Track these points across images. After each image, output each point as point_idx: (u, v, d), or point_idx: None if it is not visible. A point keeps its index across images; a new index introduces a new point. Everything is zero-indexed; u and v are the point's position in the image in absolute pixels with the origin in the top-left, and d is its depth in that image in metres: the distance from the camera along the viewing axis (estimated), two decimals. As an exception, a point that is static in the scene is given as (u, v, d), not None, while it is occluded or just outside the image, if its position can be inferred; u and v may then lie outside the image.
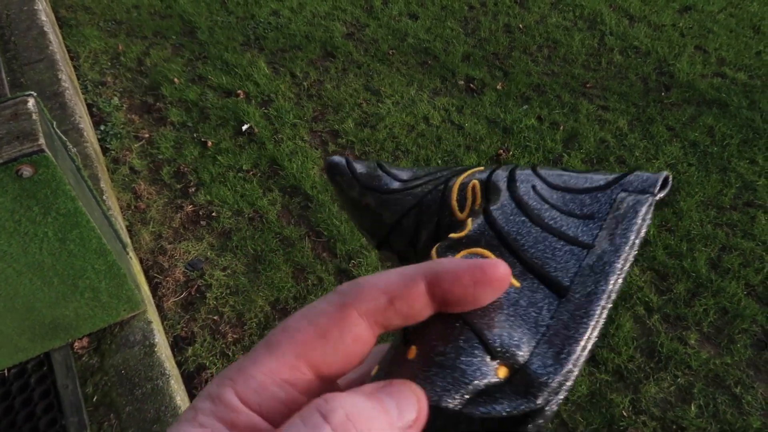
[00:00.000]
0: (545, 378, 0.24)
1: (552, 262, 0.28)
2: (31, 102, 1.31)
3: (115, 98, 3.01)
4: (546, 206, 0.31)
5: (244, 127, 2.87)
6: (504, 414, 0.23)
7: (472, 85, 3.23)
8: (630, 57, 3.50)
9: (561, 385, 0.24)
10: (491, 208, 0.31)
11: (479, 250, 0.30)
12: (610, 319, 2.19)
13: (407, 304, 0.26)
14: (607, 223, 0.29)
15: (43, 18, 2.92)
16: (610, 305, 0.27)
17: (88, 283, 1.52)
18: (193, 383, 1.93)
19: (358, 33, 3.57)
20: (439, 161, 2.76)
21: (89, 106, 2.94)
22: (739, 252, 2.45)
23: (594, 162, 2.82)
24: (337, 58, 3.36)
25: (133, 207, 2.49)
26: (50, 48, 2.73)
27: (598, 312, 0.26)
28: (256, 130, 2.86)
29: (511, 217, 0.31)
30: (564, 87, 3.25)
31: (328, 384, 0.26)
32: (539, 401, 0.23)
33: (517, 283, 0.29)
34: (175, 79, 3.12)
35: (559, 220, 0.30)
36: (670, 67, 3.42)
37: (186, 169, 2.66)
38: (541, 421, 0.23)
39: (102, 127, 2.81)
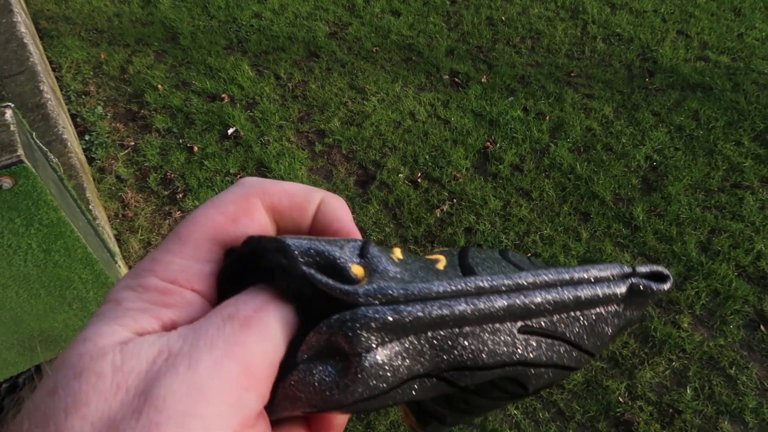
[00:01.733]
0: (375, 295, 0.25)
1: (481, 269, 0.29)
2: (8, 113, 1.30)
3: (99, 107, 2.99)
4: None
5: (230, 131, 2.86)
6: (323, 286, 0.25)
7: (457, 80, 3.23)
8: (613, 44, 3.51)
9: (381, 316, 0.24)
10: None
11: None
12: (602, 307, 2.19)
13: (302, 210, 0.29)
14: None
15: (23, 30, 2.90)
16: (492, 322, 0.27)
17: (76, 293, 1.51)
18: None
19: (341, 32, 3.56)
20: (427, 156, 2.76)
21: (73, 117, 2.93)
22: (728, 234, 2.46)
23: (581, 150, 2.82)
24: (321, 57, 3.35)
25: (120, 216, 2.48)
26: (31, 60, 2.71)
27: (461, 307, 0.26)
28: (242, 133, 2.85)
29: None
30: (548, 77, 3.25)
31: None
32: (360, 299, 0.24)
33: (443, 258, 0.30)
34: (159, 86, 3.10)
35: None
36: (653, 53, 3.43)
37: (173, 175, 2.65)
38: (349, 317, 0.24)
39: (87, 137, 2.80)
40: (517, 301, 0.26)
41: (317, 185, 2.62)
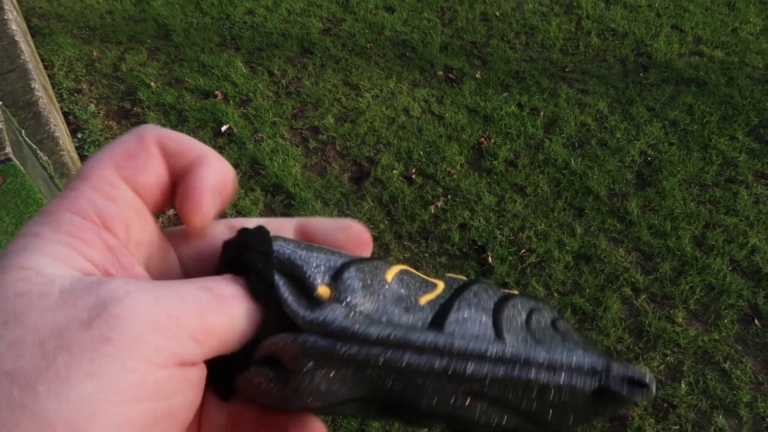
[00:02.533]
0: (326, 319, 0.25)
1: (454, 318, 0.28)
2: (-5, 111, 1.29)
3: (92, 105, 2.97)
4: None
5: (224, 128, 2.85)
6: (282, 300, 0.26)
7: (451, 75, 3.22)
8: (607, 39, 3.50)
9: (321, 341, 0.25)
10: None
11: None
12: (597, 302, 2.20)
13: (179, 160, 0.28)
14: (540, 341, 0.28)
15: (14, 27, 2.88)
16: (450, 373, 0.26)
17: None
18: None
19: (335, 28, 3.55)
20: (421, 152, 2.75)
21: (65, 115, 2.91)
22: (722, 228, 2.46)
23: (575, 146, 2.82)
24: (315, 54, 3.34)
25: (114, 214, 2.47)
26: (22, 57, 2.69)
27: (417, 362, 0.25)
28: (236, 130, 2.84)
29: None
30: (543, 72, 3.24)
31: (160, 240, 0.29)
32: (304, 327, 0.25)
33: (440, 284, 0.31)
34: (152, 83, 3.09)
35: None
36: (648, 48, 3.43)
37: (166, 173, 2.64)
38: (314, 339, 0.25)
39: (79, 135, 2.78)
40: (459, 366, 0.26)
41: (311, 182, 2.61)
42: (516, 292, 0.32)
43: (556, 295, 2.23)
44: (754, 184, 2.64)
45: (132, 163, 0.27)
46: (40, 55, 3.24)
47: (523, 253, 2.36)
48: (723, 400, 1.95)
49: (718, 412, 1.93)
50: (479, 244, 2.38)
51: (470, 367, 0.26)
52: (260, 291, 0.26)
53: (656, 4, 3.76)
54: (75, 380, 0.19)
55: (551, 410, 0.27)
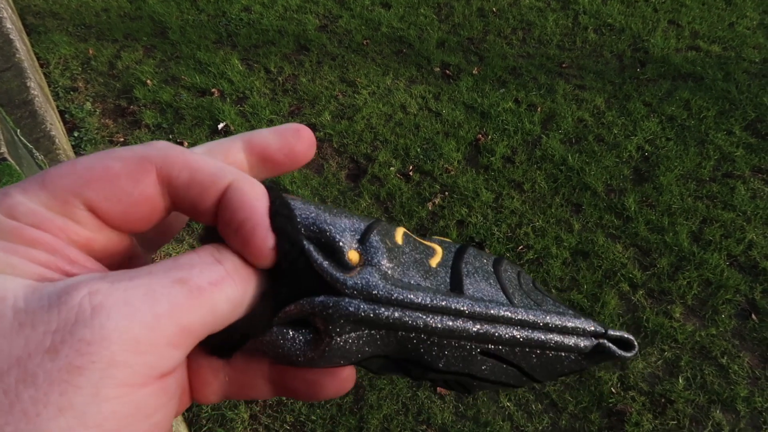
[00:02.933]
0: (371, 288, 0.26)
1: (470, 283, 0.30)
2: (-10, 110, 1.28)
3: (88, 103, 2.96)
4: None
5: (220, 126, 2.84)
6: (317, 267, 0.26)
7: (448, 72, 3.21)
8: (604, 35, 3.50)
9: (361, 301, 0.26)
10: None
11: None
12: (595, 298, 2.20)
13: (201, 194, 0.25)
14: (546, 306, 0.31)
15: (9, 26, 2.86)
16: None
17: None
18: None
19: (332, 25, 3.54)
20: (418, 149, 2.75)
21: (61, 113, 2.90)
22: (720, 223, 2.46)
23: (572, 141, 2.82)
24: (311, 51, 3.33)
25: (111, 212, 2.46)
26: (17, 56, 2.68)
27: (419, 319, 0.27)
28: (232, 128, 2.83)
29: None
30: (540, 68, 3.24)
31: (116, 235, 0.25)
32: (347, 291, 0.26)
33: (438, 248, 0.32)
34: (148, 81, 3.08)
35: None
36: (645, 43, 3.42)
37: (163, 171, 2.63)
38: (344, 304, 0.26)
39: (75, 134, 2.77)
40: (489, 330, 0.28)
41: (308, 179, 2.61)
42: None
43: (554, 291, 2.23)
44: (751, 179, 2.65)
45: (107, 187, 0.23)
46: (35, 54, 3.23)
47: (521, 249, 2.36)
48: (720, 395, 1.96)
49: (716, 407, 1.94)
50: (477, 240, 2.38)
51: (499, 331, 0.28)
52: (291, 256, 0.25)
53: (653, -1, 3.76)
54: (46, 417, 0.17)
55: (546, 364, 0.30)
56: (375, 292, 0.26)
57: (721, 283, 2.24)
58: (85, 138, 2.76)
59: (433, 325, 0.27)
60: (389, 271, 0.27)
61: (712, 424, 1.90)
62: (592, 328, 0.30)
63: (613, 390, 1.96)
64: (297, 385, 0.28)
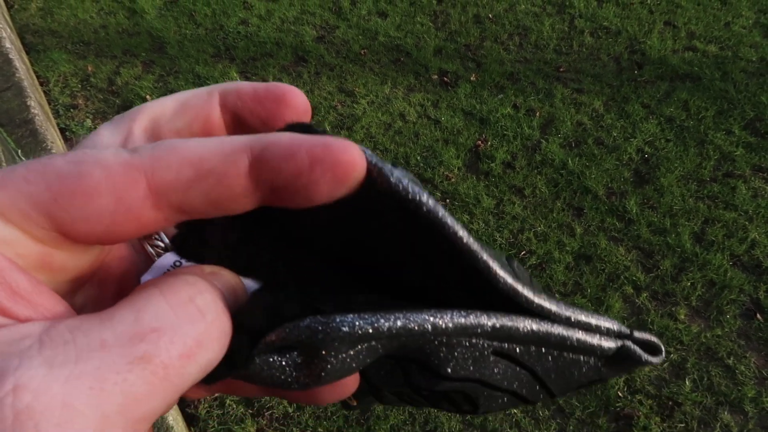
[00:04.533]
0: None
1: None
2: (-9, 132, 1.29)
3: (88, 120, 2.98)
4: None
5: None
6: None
7: (446, 79, 3.22)
8: (601, 38, 3.51)
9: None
10: None
11: None
12: (599, 301, 2.20)
13: (222, 185, 0.19)
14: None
15: (8, 45, 2.88)
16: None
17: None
18: (185, 400, 1.92)
19: (329, 35, 3.56)
20: (418, 157, 2.76)
21: (62, 131, 2.91)
22: (722, 223, 2.46)
23: (572, 145, 2.82)
24: (309, 62, 3.34)
25: (113, 229, 2.47)
26: (17, 75, 2.70)
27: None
28: (233, 141, 2.85)
29: None
30: (537, 73, 3.25)
31: (83, 248, 0.20)
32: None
33: None
34: (148, 96, 3.09)
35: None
36: (641, 45, 3.43)
37: (164, 186, 2.64)
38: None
39: (76, 151, 2.78)
40: (506, 324, 0.24)
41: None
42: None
43: (557, 296, 2.23)
44: (752, 178, 2.64)
45: (75, 206, 0.18)
46: (35, 72, 3.25)
47: (524, 254, 2.36)
48: (728, 396, 1.95)
49: (724, 408, 1.93)
50: (479, 247, 2.38)
51: (517, 324, 0.25)
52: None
53: (648, 1, 3.77)
54: None
55: (563, 369, 0.27)
56: (419, 197, 0.22)
57: (725, 284, 2.24)
58: (86, 155, 2.77)
59: (443, 325, 0.23)
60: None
61: (721, 426, 1.89)
62: (616, 328, 0.27)
63: (620, 394, 1.96)
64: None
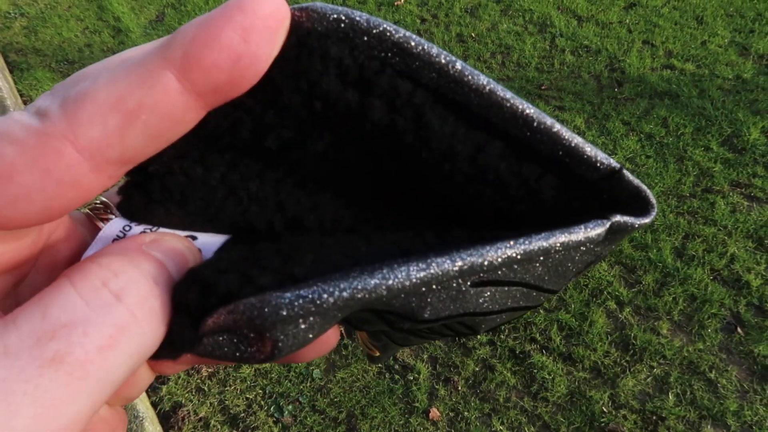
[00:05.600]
0: None
1: None
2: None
3: (72, 139, 2.96)
4: None
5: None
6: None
7: (430, 97, 3.26)
8: (581, 56, 3.57)
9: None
10: None
11: None
12: (583, 317, 2.22)
13: (158, 114, 0.17)
14: None
15: (-9, 64, 2.88)
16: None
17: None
18: (169, 422, 1.90)
19: (314, 54, 3.59)
20: (403, 175, 2.77)
21: (45, 150, 2.90)
22: (702, 238, 2.50)
23: (555, 162, 2.86)
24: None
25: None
26: (0, 94, 2.69)
27: None
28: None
29: None
30: (520, 90, 3.30)
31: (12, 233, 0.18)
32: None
33: None
34: (132, 115, 3.09)
35: None
36: (621, 63, 3.50)
37: (149, 204, 2.63)
38: None
39: (60, 170, 2.77)
40: (476, 262, 0.21)
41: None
42: None
43: (542, 312, 2.24)
44: (731, 194, 2.70)
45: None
46: (18, 91, 3.23)
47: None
48: (711, 410, 1.97)
49: (707, 422, 1.95)
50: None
51: (488, 257, 0.22)
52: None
53: (627, 20, 3.85)
54: None
55: (555, 268, 0.24)
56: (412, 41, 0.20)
57: (705, 298, 2.27)
58: (69, 174, 2.75)
59: (398, 285, 0.20)
60: None
61: (704, 440, 1.91)
62: (608, 162, 0.24)
63: (605, 409, 1.97)
64: None
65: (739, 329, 2.19)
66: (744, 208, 2.62)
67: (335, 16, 0.19)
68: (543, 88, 3.33)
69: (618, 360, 2.10)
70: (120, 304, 0.17)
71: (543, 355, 2.11)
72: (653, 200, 0.25)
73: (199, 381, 2.02)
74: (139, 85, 0.17)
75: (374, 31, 0.20)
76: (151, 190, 0.23)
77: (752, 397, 2.00)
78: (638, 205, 0.25)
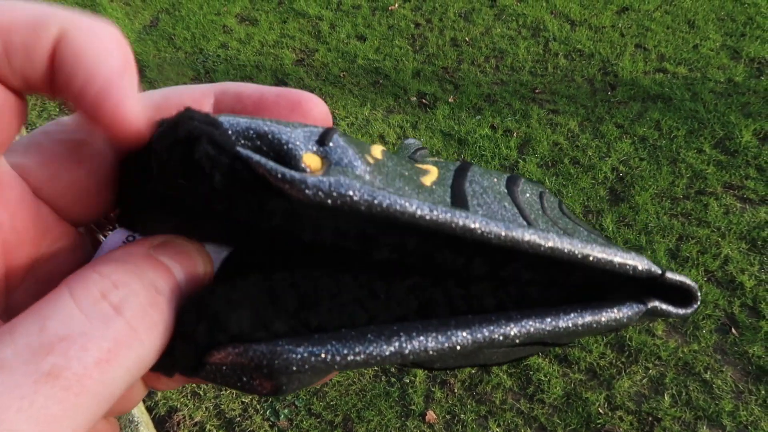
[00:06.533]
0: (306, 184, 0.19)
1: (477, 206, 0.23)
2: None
3: (66, 144, 2.96)
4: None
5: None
6: (261, 168, 0.19)
7: (424, 101, 3.27)
8: (575, 60, 3.59)
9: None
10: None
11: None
12: (578, 319, 2.22)
13: (24, 57, 0.16)
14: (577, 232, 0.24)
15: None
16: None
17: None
18: (164, 427, 1.89)
19: (308, 58, 3.59)
20: (398, 178, 2.78)
21: (39, 155, 2.89)
22: (695, 240, 2.51)
23: (549, 165, 2.87)
24: (289, 85, 3.37)
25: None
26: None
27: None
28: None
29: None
30: (514, 94, 3.31)
31: None
32: (308, 191, 0.18)
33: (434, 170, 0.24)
34: (127, 120, 3.09)
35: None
36: (614, 67, 3.52)
37: (143, 209, 2.63)
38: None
39: (54, 175, 2.76)
40: (496, 337, 0.20)
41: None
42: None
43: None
44: (723, 195, 2.71)
45: None
46: (12, 96, 3.22)
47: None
48: (706, 411, 1.98)
49: (702, 423, 1.95)
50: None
51: (504, 329, 0.21)
52: (220, 163, 0.18)
53: (620, 24, 3.88)
54: None
55: (576, 334, 0.22)
56: (350, 194, 0.18)
57: (700, 299, 2.28)
58: (63, 179, 2.74)
59: (412, 355, 0.19)
60: (367, 175, 0.20)
61: (700, 440, 1.92)
62: (646, 267, 0.23)
63: (601, 410, 1.97)
64: None
65: (733, 330, 2.20)
66: (737, 210, 2.64)
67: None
68: (537, 91, 3.34)
69: (614, 361, 2.11)
70: (119, 318, 0.16)
71: (539, 357, 2.12)
72: (698, 294, 0.24)
73: (194, 385, 2.01)
74: (28, 19, 0.16)
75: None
76: (154, 200, 0.23)
77: (747, 398, 2.01)
78: (680, 295, 0.23)
